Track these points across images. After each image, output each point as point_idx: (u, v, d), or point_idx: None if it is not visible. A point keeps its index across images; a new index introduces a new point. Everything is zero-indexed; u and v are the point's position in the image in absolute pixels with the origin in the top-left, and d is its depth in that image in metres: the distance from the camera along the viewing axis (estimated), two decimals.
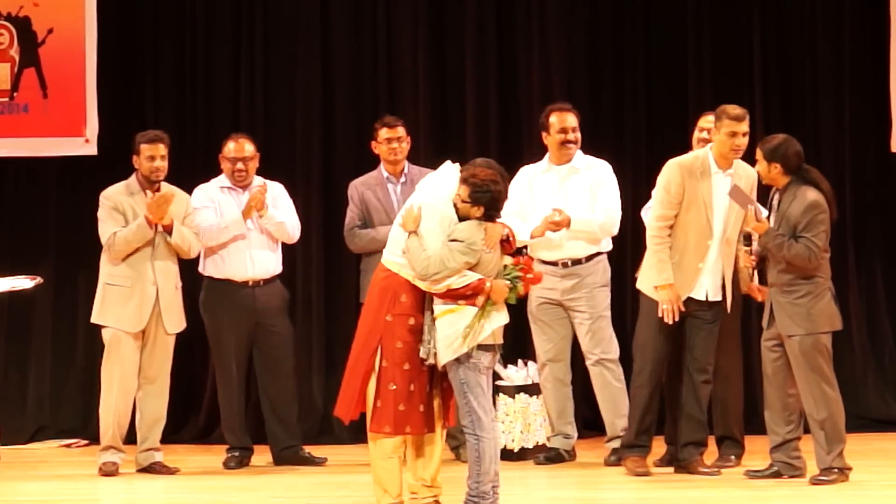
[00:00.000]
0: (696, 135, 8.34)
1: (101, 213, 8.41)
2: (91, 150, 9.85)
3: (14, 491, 8.00)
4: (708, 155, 7.90)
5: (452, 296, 6.48)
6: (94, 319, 8.46)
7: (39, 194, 9.99)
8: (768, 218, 7.64)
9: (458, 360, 6.49)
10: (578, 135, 8.52)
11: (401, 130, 8.59)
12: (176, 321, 8.45)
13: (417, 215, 6.53)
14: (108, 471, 8.30)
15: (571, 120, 8.51)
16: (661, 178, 7.93)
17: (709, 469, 7.93)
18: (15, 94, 10.00)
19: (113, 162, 9.52)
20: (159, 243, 8.35)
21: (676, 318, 7.80)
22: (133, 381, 8.35)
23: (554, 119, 8.50)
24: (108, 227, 8.35)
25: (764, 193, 7.92)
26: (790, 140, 7.66)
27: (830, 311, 7.55)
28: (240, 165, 8.57)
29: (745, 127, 7.85)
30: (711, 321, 7.90)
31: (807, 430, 7.61)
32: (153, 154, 8.38)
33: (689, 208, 7.84)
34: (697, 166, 7.87)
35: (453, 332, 6.48)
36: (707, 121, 8.27)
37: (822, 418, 7.48)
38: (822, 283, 7.56)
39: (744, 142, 7.86)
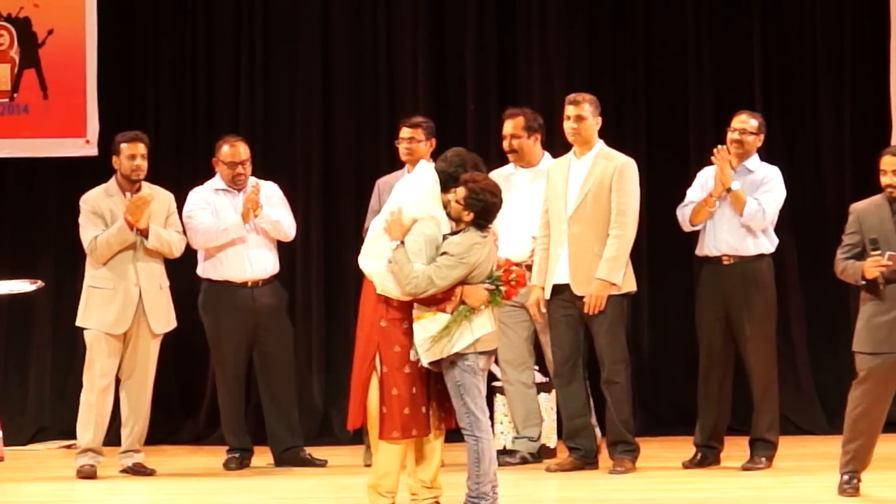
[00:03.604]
0: (729, 135, 8.26)
1: (81, 219, 8.42)
2: (91, 151, 9.85)
3: (15, 492, 7.99)
4: (574, 148, 8.16)
5: (424, 301, 6.47)
6: (78, 322, 8.46)
7: (40, 195, 9.99)
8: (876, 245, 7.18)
9: (452, 362, 6.48)
10: (519, 141, 8.53)
11: (413, 132, 8.52)
12: (162, 322, 8.44)
13: (403, 222, 6.49)
14: (87, 473, 8.27)
15: (508, 126, 8.58)
16: None
17: (615, 470, 7.98)
18: (15, 95, 10.00)
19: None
20: (141, 244, 8.35)
21: (539, 319, 8.16)
22: (112, 382, 8.36)
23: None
24: (88, 231, 8.36)
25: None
26: None
27: None
28: (239, 169, 8.58)
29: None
30: (602, 314, 7.96)
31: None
32: (133, 153, 8.38)
33: (551, 200, 8.10)
34: (560, 162, 8.18)
35: (426, 338, 6.47)
36: (740, 120, 8.24)
37: None
38: None
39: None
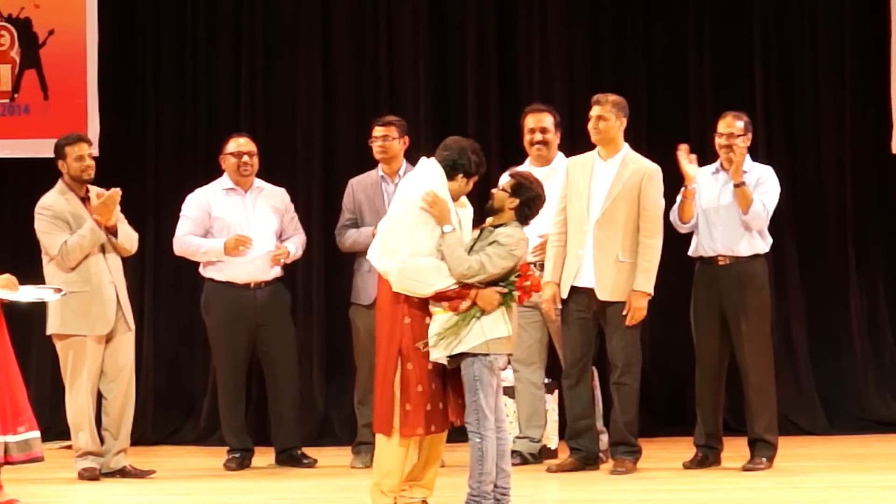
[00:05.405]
0: (718, 140, 8.24)
1: (42, 225, 8.28)
2: (92, 151, 9.82)
3: (16, 493, 7.98)
4: (598, 148, 8.10)
5: (438, 297, 6.47)
6: (57, 330, 8.29)
7: (40, 196, 9.95)
8: None
9: (474, 355, 6.46)
10: (549, 136, 8.53)
11: (387, 130, 8.51)
12: (131, 317, 8.42)
13: (445, 205, 6.46)
14: (91, 476, 8.23)
15: (540, 121, 8.56)
16: None
17: (615, 471, 7.97)
18: (16, 96, 10.01)
19: (115, 163, 9.54)
20: (107, 242, 8.31)
21: (553, 316, 8.12)
22: (97, 384, 8.33)
23: (527, 120, 8.59)
24: (55, 237, 8.23)
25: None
26: None
27: None
28: (245, 158, 8.61)
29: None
30: (622, 318, 7.94)
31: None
32: (81, 153, 8.30)
33: (572, 199, 8.03)
34: (583, 160, 8.10)
35: (434, 333, 6.46)
36: (726, 124, 8.20)
37: None
38: None
39: None
